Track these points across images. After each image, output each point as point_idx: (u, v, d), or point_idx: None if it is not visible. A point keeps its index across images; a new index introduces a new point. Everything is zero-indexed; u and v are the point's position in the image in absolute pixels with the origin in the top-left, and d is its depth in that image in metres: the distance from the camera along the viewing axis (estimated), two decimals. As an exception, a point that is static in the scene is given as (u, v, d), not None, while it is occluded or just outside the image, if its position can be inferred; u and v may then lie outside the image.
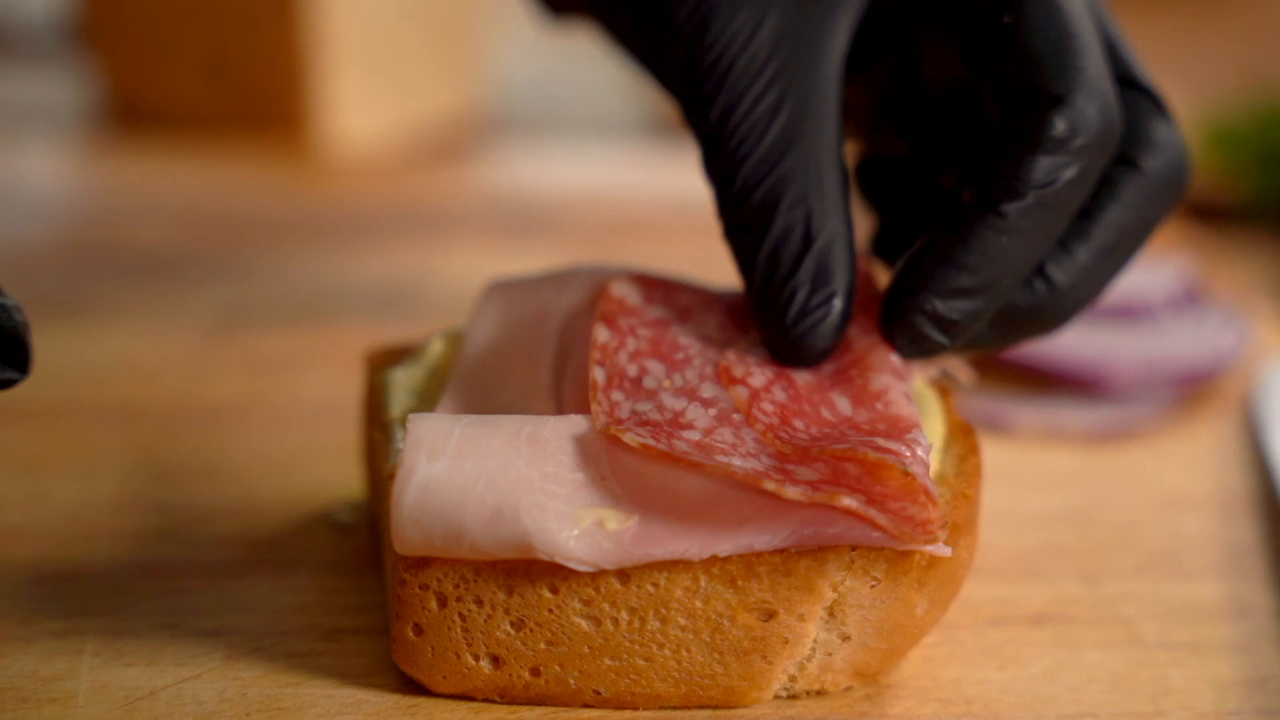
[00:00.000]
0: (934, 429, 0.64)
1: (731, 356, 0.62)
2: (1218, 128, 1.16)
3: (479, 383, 0.64)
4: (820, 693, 0.60)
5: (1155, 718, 0.60)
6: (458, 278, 0.95)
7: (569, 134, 1.25)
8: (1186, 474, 0.78)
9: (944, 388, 0.68)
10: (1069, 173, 0.60)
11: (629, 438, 0.57)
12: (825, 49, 0.63)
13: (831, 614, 0.59)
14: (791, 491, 0.57)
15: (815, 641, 0.59)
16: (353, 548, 0.68)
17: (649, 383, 0.61)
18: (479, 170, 1.18)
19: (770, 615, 0.58)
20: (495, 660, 0.59)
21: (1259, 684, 0.62)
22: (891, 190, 0.70)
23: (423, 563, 0.58)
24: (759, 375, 0.61)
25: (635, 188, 1.12)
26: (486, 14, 1.29)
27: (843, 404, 0.61)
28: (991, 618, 0.66)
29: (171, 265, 0.96)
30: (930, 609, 0.60)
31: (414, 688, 0.60)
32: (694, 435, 0.58)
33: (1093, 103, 0.60)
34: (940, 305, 0.61)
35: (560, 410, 0.62)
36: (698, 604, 0.58)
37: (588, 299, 0.66)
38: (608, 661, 0.59)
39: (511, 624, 0.58)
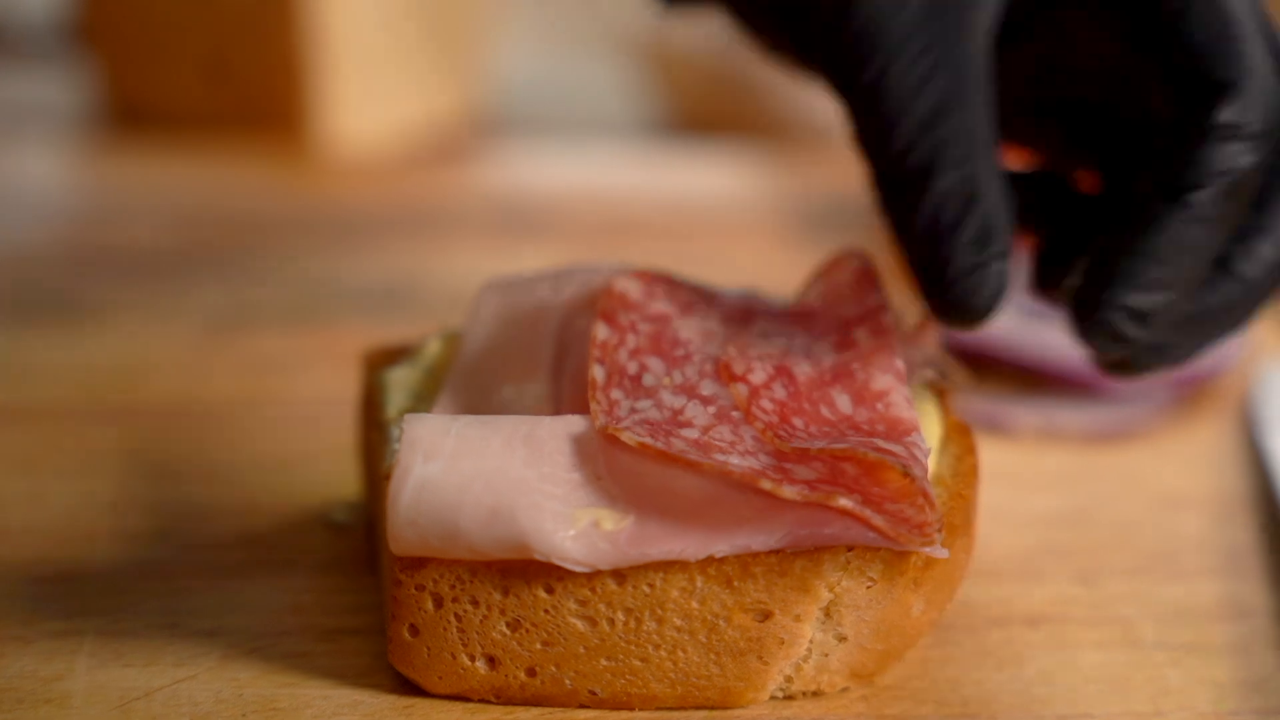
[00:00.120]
0: (931, 429, 0.64)
1: (732, 353, 0.62)
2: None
3: (476, 382, 0.64)
4: (816, 694, 0.60)
5: (1153, 718, 0.60)
6: (456, 278, 0.95)
7: (568, 134, 1.25)
8: (1184, 474, 0.78)
9: (941, 388, 0.68)
10: (1246, 160, 0.59)
11: (627, 436, 0.57)
12: (975, 21, 0.62)
13: (828, 615, 0.59)
14: (788, 491, 0.57)
15: (811, 642, 0.59)
16: (350, 548, 0.68)
17: (648, 380, 0.61)
18: (478, 170, 1.18)
19: (766, 616, 0.58)
20: (491, 661, 0.59)
21: (1257, 685, 0.62)
22: (1048, 206, 0.69)
23: (419, 563, 0.58)
24: (759, 372, 0.61)
25: (634, 188, 1.12)
26: (486, 14, 1.29)
27: (843, 402, 0.61)
28: (989, 618, 0.66)
29: (170, 265, 0.96)
30: (927, 610, 0.60)
31: (410, 688, 0.60)
32: (692, 433, 0.58)
33: (1262, 90, 0.60)
34: (1134, 299, 0.60)
35: (557, 409, 0.62)
36: (694, 604, 0.58)
37: (585, 298, 0.66)
38: (604, 662, 0.59)
39: (507, 624, 0.58)
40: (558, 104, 1.35)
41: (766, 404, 0.60)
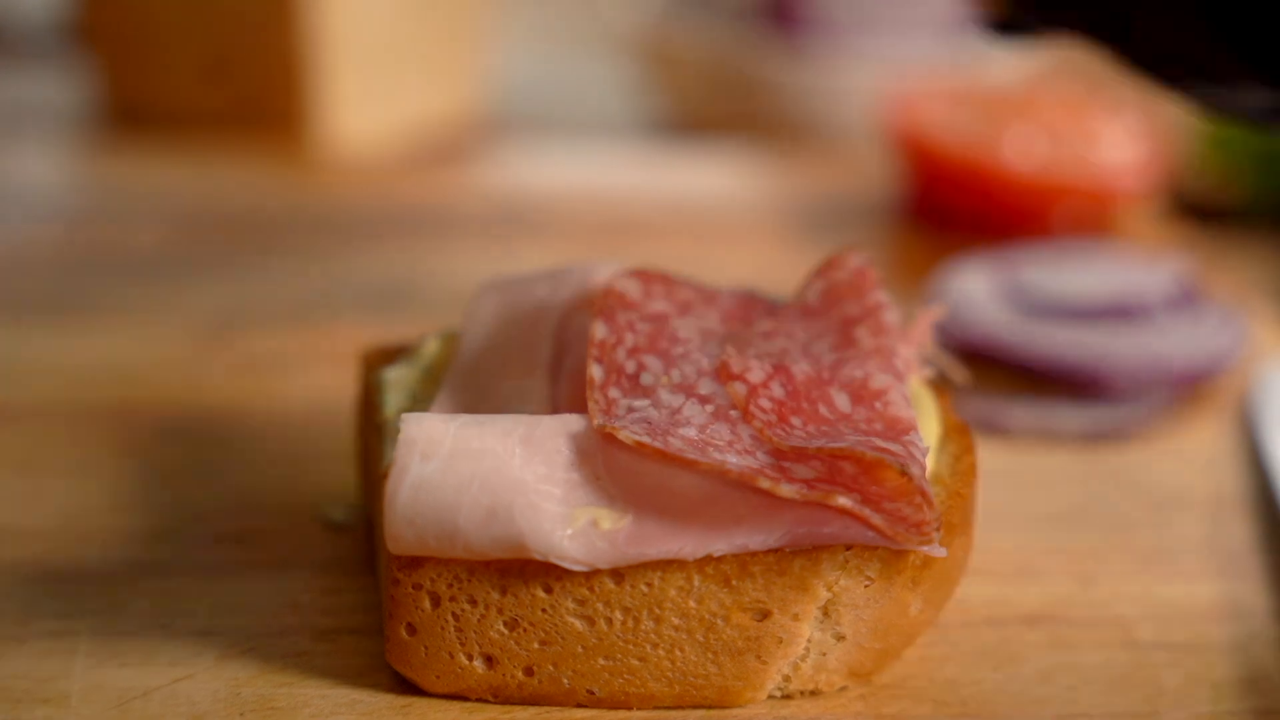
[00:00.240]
0: (930, 429, 0.64)
1: (730, 352, 0.62)
2: (1217, 129, 1.16)
3: (474, 382, 0.64)
4: (815, 693, 0.60)
5: (1150, 718, 0.60)
6: (455, 277, 0.95)
7: (568, 134, 1.25)
8: (1182, 475, 0.78)
9: (940, 387, 0.68)
10: None
11: (625, 435, 0.57)
12: None
13: (826, 614, 0.59)
14: (786, 489, 0.57)
15: (810, 641, 0.59)
16: (347, 547, 0.68)
17: (646, 379, 0.61)
18: (477, 171, 1.18)
19: (764, 615, 0.58)
20: (489, 660, 0.59)
21: (1254, 684, 0.62)
22: None
23: (416, 562, 0.58)
24: (757, 371, 0.61)
25: (633, 188, 1.12)
26: (485, 14, 1.29)
27: (841, 401, 0.60)
28: (986, 618, 0.65)
29: (168, 265, 0.96)
30: (925, 609, 0.60)
31: (408, 687, 0.60)
32: (690, 432, 0.58)
33: None
34: None
35: (555, 409, 0.62)
36: (692, 604, 0.58)
37: (583, 297, 0.66)
38: (602, 661, 0.59)
39: (505, 624, 0.58)
40: (557, 104, 1.35)
41: (765, 403, 0.60)
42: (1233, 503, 0.75)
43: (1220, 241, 1.07)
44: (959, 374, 0.68)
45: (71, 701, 0.58)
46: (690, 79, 1.25)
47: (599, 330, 0.62)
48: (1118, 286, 0.87)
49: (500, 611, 0.58)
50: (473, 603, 0.58)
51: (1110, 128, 1.03)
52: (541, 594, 0.58)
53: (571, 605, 0.58)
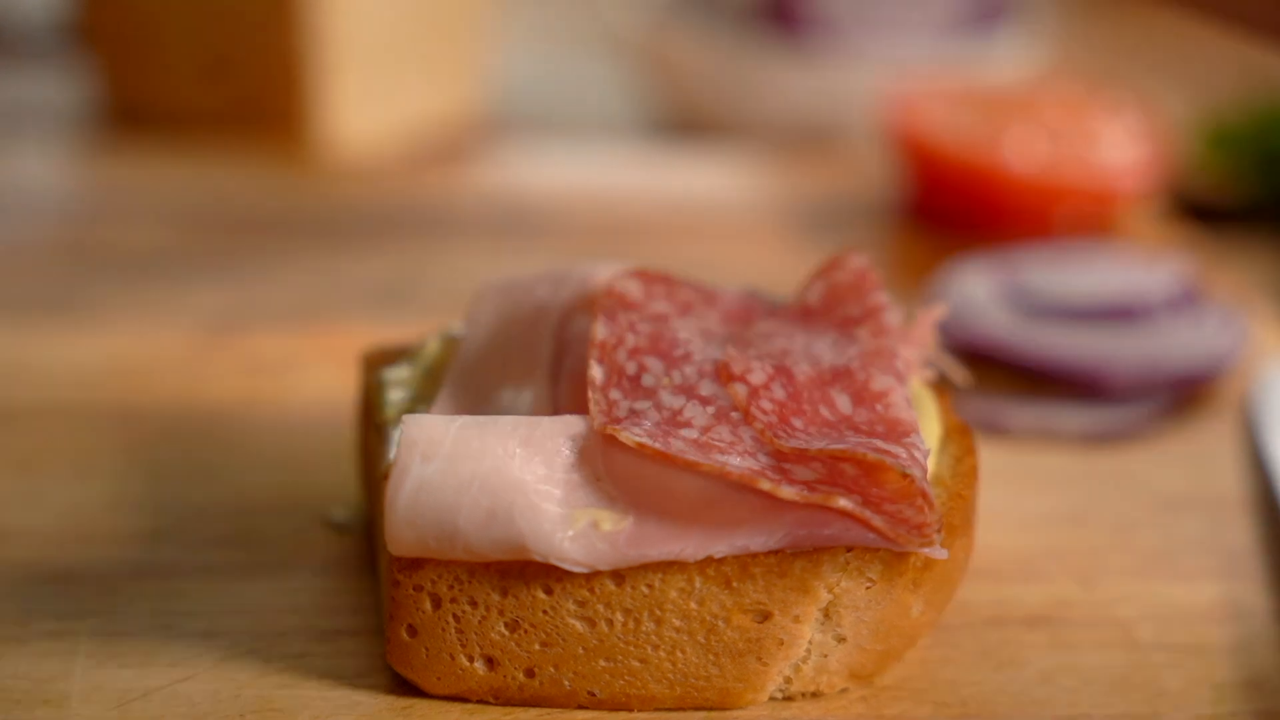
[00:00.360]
0: (931, 430, 0.64)
1: (731, 353, 0.62)
2: (1217, 129, 1.16)
3: (474, 383, 0.64)
4: (816, 694, 0.60)
5: (1151, 719, 0.60)
6: (456, 278, 0.95)
7: (568, 134, 1.25)
8: (1183, 475, 0.78)
9: (941, 388, 0.68)
10: None
11: (625, 436, 0.57)
12: None
13: (827, 615, 0.59)
14: (787, 491, 0.57)
15: (810, 643, 0.59)
16: (349, 548, 0.68)
17: (647, 380, 0.61)
18: (477, 171, 1.18)
19: (765, 617, 0.58)
20: (490, 661, 0.59)
21: (1256, 685, 0.62)
22: None
23: (417, 564, 0.58)
24: (758, 372, 0.61)
25: (634, 188, 1.12)
26: (485, 15, 1.29)
27: (842, 403, 0.60)
28: (988, 619, 0.65)
29: (168, 266, 0.96)
30: (926, 610, 0.60)
31: (408, 689, 0.60)
32: (691, 433, 0.58)
33: None
34: None
35: (556, 410, 0.62)
36: (693, 605, 0.58)
37: (584, 298, 0.66)
38: (602, 663, 0.58)
39: (506, 625, 0.58)
40: (558, 104, 1.35)
41: (766, 404, 0.60)
42: (1234, 503, 0.75)
43: (1221, 242, 1.07)
44: (960, 375, 0.68)
45: (72, 702, 0.58)
46: (691, 79, 1.25)
47: (600, 331, 0.62)
48: (1118, 287, 0.87)
49: (501, 613, 0.58)
50: (473, 604, 0.58)
51: (1111, 128, 1.03)
52: (542, 595, 0.58)
53: (572, 607, 0.58)
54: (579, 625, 0.58)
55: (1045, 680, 0.62)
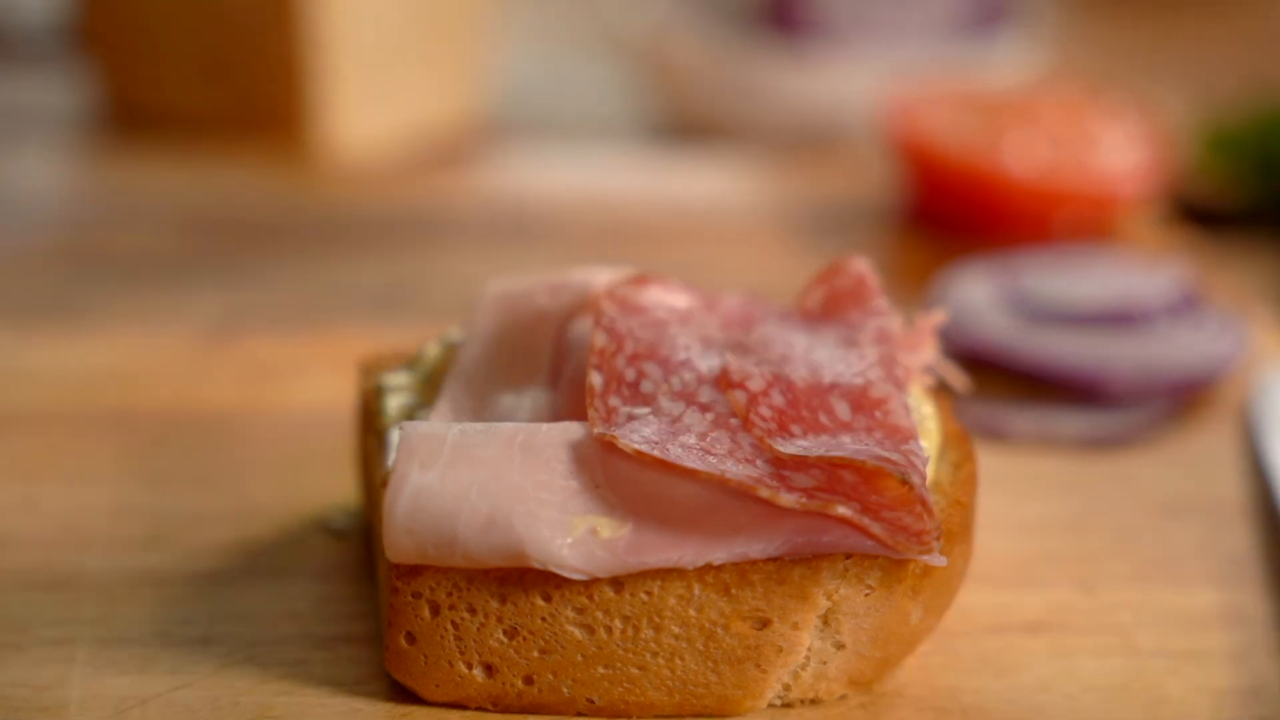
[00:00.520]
0: (930, 436, 0.64)
1: (730, 359, 0.62)
2: (1217, 132, 1.16)
3: (474, 389, 0.64)
4: (815, 701, 0.60)
5: (1151, 727, 0.60)
6: (456, 283, 0.95)
7: (568, 138, 1.25)
8: (1183, 481, 0.77)
9: (940, 394, 0.68)
10: None
11: (624, 443, 0.57)
12: None
13: (826, 622, 0.58)
14: (786, 498, 0.57)
15: (810, 650, 0.59)
16: (347, 555, 0.68)
17: (646, 386, 0.61)
18: (478, 174, 1.17)
19: (764, 623, 0.58)
20: (488, 668, 0.59)
21: (1255, 692, 0.62)
22: None
23: (415, 570, 0.58)
24: (757, 378, 0.61)
25: (635, 192, 1.12)
26: (486, 17, 1.29)
27: (842, 410, 0.60)
28: (987, 625, 0.65)
29: (168, 270, 0.96)
30: (925, 617, 0.60)
31: (407, 696, 0.59)
32: (690, 440, 0.58)
33: None
34: None
35: (555, 416, 0.62)
36: (691, 612, 0.58)
37: (583, 303, 0.66)
38: (601, 670, 0.58)
39: (504, 632, 0.58)
40: (558, 107, 1.35)
41: (765, 411, 0.59)
42: (1234, 509, 0.75)
43: (1221, 246, 1.07)
44: (959, 380, 0.68)
45: (70, 710, 0.58)
46: (691, 82, 1.25)
47: (599, 338, 0.62)
48: (1118, 292, 0.87)
49: (500, 620, 0.58)
50: (472, 611, 0.58)
51: (1111, 132, 1.03)
52: (541, 602, 0.58)
53: (571, 614, 0.58)
54: (578, 632, 0.58)
55: (1045, 687, 0.62)
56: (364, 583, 0.66)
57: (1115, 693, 0.62)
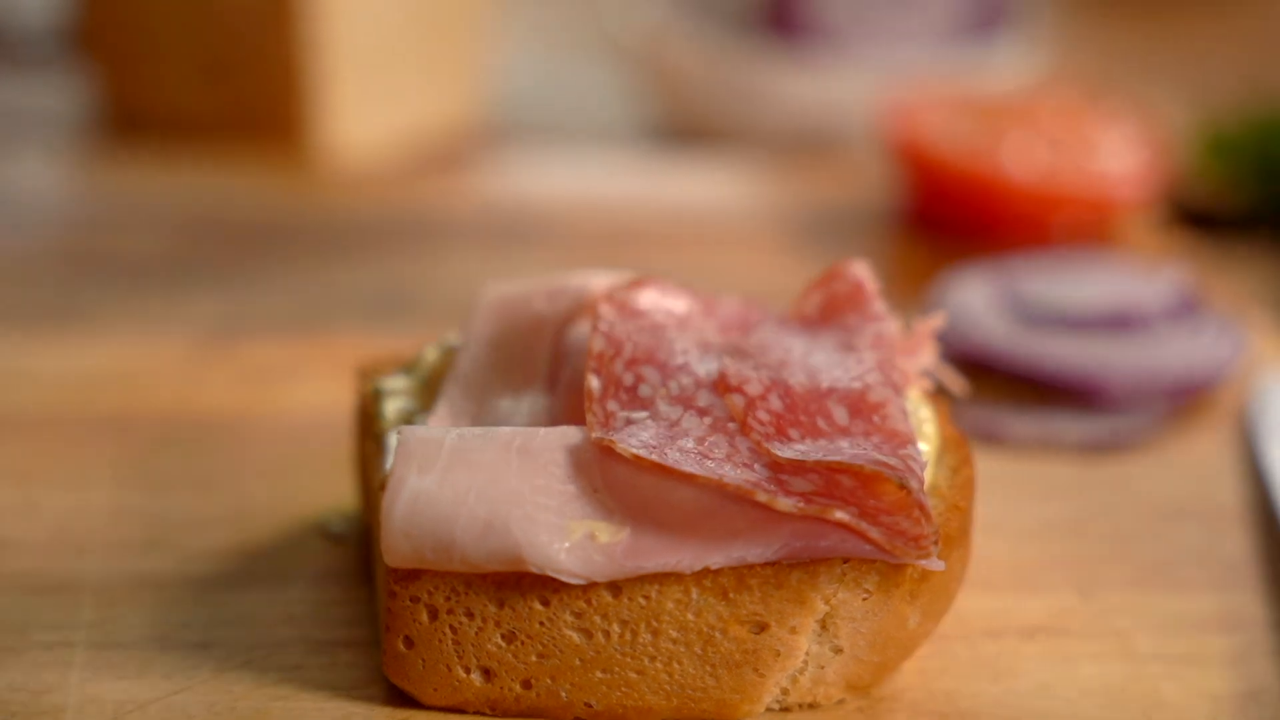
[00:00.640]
0: (927, 440, 0.64)
1: (728, 364, 0.62)
2: (1216, 136, 1.16)
3: (472, 393, 0.64)
4: (813, 705, 0.60)
5: (1149, 731, 0.60)
6: (455, 287, 0.95)
7: (567, 141, 1.25)
8: (1182, 485, 0.77)
9: (938, 398, 0.68)
10: None
11: (622, 448, 0.57)
12: None
13: (824, 627, 0.58)
14: (784, 503, 0.57)
15: (807, 654, 0.59)
16: (346, 559, 0.68)
17: (644, 391, 0.61)
18: (476, 178, 1.17)
19: (762, 628, 0.58)
20: (486, 673, 0.59)
21: (1253, 697, 0.62)
22: None
23: (413, 575, 0.58)
24: (755, 383, 0.61)
25: (633, 196, 1.12)
26: (485, 20, 1.29)
27: (839, 414, 0.60)
28: (985, 630, 0.65)
29: (166, 273, 0.96)
30: (923, 621, 0.60)
31: (405, 700, 0.59)
32: (688, 444, 0.58)
33: None
34: None
35: (553, 420, 0.62)
36: (689, 616, 0.58)
37: (582, 307, 0.66)
38: (599, 674, 0.58)
39: (502, 636, 0.58)
40: (557, 110, 1.35)
41: (763, 415, 0.59)
42: (1232, 513, 0.75)
43: (1220, 250, 1.07)
44: (958, 384, 0.68)
45: (67, 715, 0.58)
46: (690, 86, 1.25)
47: (597, 342, 0.62)
48: (1117, 296, 0.87)
49: (498, 624, 0.58)
50: (470, 615, 0.58)
51: (1110, 136, 1.03)
52: (539, 607, 0.58)
53: (569, 618, 0.58)
54: (576, 637, 0.58)
55: (1043, 691, 0.62)
56: (362, 587, 0.66)
57: (1113, 697, 0.62)
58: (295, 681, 0.60)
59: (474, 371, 0.65)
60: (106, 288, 0.94)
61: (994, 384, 0.83)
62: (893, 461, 0.57)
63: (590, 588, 0.57)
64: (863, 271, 0.67)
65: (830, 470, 0.57)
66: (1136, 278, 0.90)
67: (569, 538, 0.57)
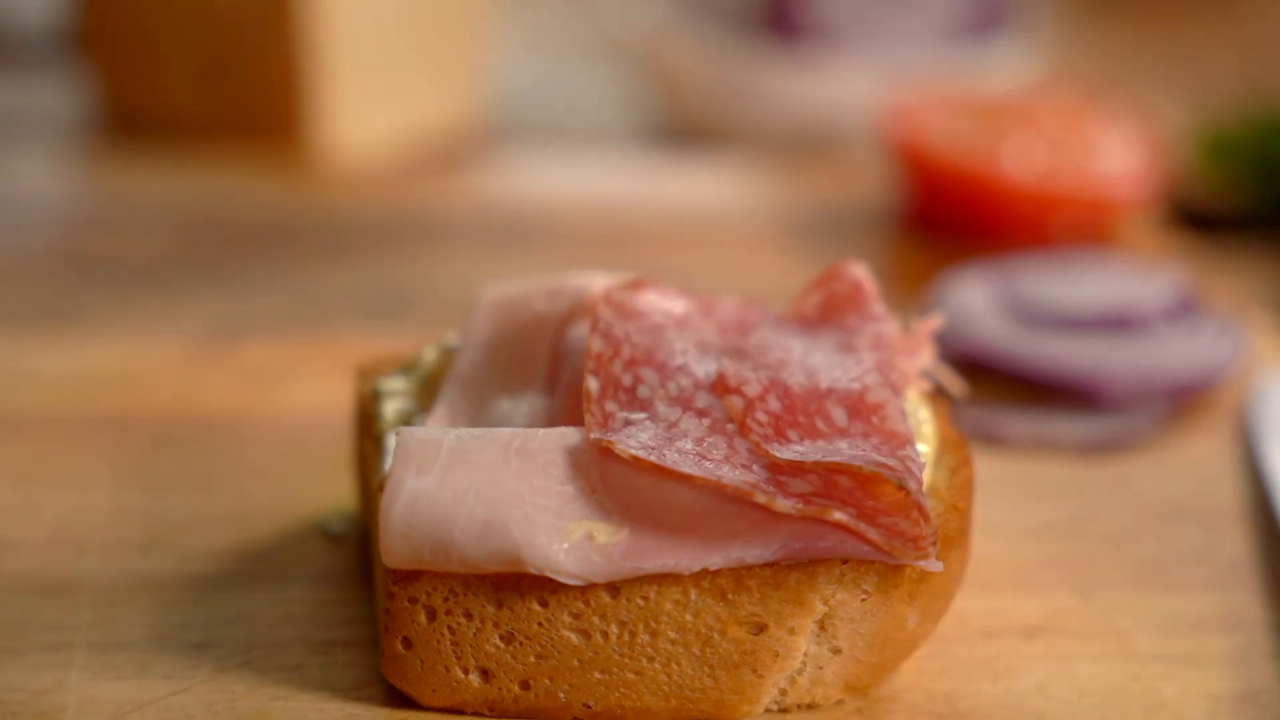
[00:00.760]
0: (926, 441, 0.64)
1: (727, 364, 0.62)
2: (1215, 137, 1.16)
3: (471, 394, 0.64)
4: (811, 706, 0.60)
5: (1147, 732, 0.60)
6: (454, 287, 0.95)
7: (567, 142, 1.25)
8: (1180, 485, 0.77)
9: (937, 399, 0.68)
10: None
11: (621, 449, 0.57)
12: None
13: (822, 627, 0.58)
14: (782, 504, 0.57)
15: (806, 655, 0.59)
16: (344, 559, 0.68)
17: (643, 392, 0.61)
18: (475, 178, 1.17)
19: (760, 629, 0.58)
20: (485, 673, 0.59)
21: (1252, 697, 0.62)
22: None
23: (412, 575, 0.58)
24: (754, 384, 0.61)
25: (632, 196, 1.12)
26: (484, 21, 1.29)
27: (838, 415, 0.60)
28: (983, 630, 0.65)
29: (165, 274, 0.96)
30: (922, 622, 0.60)
31: (403, 701, 0.59)
32: (686, 445, 0.58)
33: None
34: None
35: (552, 421, 0.62)
36: (688, 617, 0.58)
37: (580, 308, 0.66)
38: (598, 675, 0.58)
39: (501, 637, 0.58)
40: (557, 111, 1.35)
41: (761, 416, 0.59)
42: (1231, 514, 0.75)
43: (1219, 251, 1.07)
44: (957, 385, 0.68)
45: (67, 714, 0.58)
46: (689, 86, 1.25)
47: (595, 343, 0.62)
48: (1116, 296, 0.87)
49: (496, 625, 0.58)
50: (468, 616, 0.58)
51: (1109, 136, 1.03)
52: (537, 607, 0.58)
53: (567, 619, 0.58)
54: (574, 637, 0.58)
55: (1041, 691, 0.62)
56: (361, 587, 0.66)
57: (1112, 697, 0.62)
58: (294, 682, 0.60)
59: (473, 372, 0.65)
60: (106, 288, 0.94)
61: (993, 384, 0.83)
62: (891, 462, 0.57)
63: (589, 588, 0.57)
64: (862, 272, 0.67)
65: (829, 471, 0.57)
66: (1136, 278, 0.90)
67: (567, 538, 0.57)
